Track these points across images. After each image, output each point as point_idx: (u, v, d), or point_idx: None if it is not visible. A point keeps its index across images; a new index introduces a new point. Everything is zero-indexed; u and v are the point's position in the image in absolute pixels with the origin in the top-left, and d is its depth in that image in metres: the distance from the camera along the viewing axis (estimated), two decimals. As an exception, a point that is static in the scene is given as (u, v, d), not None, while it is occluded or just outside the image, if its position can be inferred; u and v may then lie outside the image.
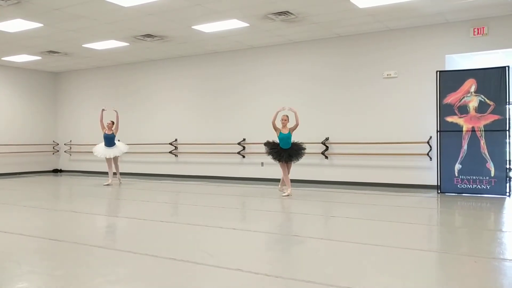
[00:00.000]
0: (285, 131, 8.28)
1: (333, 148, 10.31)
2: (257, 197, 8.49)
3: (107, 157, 10.73)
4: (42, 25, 9.05)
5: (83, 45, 11.01)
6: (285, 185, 8.53)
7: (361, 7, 8.08)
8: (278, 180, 10.88)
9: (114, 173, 11.04)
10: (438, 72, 8.67)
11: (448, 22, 9.00)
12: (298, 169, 10.59)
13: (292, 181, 10.66)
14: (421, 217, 6.43)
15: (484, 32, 8.67)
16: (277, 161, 8.46)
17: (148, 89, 13.22)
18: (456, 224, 6.08)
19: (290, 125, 8.39)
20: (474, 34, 8.75)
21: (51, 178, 12.87)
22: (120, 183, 11.00)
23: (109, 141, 10.76)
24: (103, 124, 10.80)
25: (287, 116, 8.39)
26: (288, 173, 8.52)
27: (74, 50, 11.56)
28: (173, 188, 10.22)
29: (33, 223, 6.13)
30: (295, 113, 8.32)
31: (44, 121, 14.93)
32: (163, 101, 12.90)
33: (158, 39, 10.37)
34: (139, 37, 10.19)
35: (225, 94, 11.80)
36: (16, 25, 9.03)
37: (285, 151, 8.27)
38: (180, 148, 12.53)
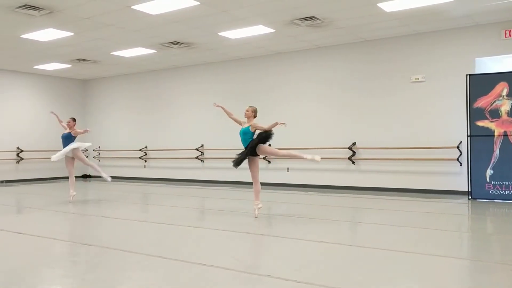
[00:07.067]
0: (245, 125, 6.83)
1: (360, 154, 10.20)
2: (282, 203, 8.46)
3: (68, 155, 8.84)
4: (72, 33, 9.28)
5: (111, 53, 11.24)
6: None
7: (388, 11, 8.00)
8: (304, 186, 10.86)
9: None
10: (468, 76, 8.49)
11: (478, 25, 8.82)
12: (324, 175, 10.55)
13: (318, 186, 10.64)
14: (451, 224, 6.29)
15: (515, 34, 8.47)
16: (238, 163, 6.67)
17: (175, 95, 13.39)
18: (488, 231, 5.93)
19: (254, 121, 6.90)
20: (505, 37, 8.55)
21: (80, 183, 13.12)
22: (71, 201, 8.83)
23: (65, 140, 8.77)
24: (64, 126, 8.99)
25: (251, 108, 6.92)
26: (257, 176, 6.74)
27: (103, 57, 11.81)
28: (200, 194, 10.28)
29: (64, 227, 6.26)
30: (278, 125, 6.79)
31: (73, 128, 15.24)
32: (189, 107, 13.04)
33: (185, 46, 10.50)
34: (166, 44, 10.34)
35: (250, 100, 11.80)
36: (48, 34, 9.30)
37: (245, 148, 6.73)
38: (206, 154, 12.62)
